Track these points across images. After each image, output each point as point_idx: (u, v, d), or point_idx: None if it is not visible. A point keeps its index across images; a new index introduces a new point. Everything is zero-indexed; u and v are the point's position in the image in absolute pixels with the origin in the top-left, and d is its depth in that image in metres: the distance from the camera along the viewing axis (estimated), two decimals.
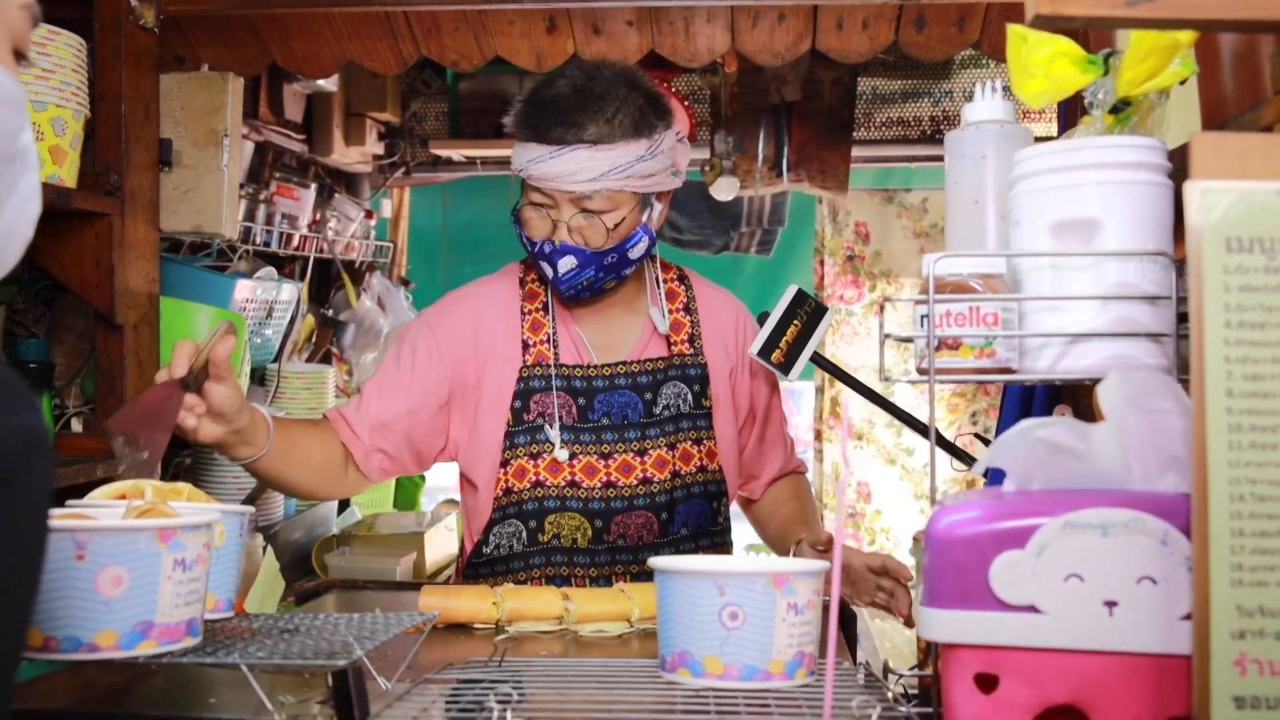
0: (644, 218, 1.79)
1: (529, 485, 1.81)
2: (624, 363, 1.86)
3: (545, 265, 1.77)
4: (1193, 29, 1.00)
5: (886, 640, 3.38)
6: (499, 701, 1.01)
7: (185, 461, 2.50)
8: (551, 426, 1.80)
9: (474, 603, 1.62)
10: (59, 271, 1.87)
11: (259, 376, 2.73)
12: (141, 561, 1.01)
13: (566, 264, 1.75)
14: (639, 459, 1.83)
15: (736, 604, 1.04)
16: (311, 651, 1.06)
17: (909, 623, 1.71)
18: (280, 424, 1.70)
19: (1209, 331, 0.87)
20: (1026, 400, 2.20)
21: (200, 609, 1.08)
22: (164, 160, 2.02)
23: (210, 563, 1.12)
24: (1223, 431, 0.86)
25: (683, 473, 1.85)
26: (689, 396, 1.86)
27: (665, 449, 1.84)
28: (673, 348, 1.89)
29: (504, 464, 1.82)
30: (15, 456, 0.59)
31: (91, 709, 1.18)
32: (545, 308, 1.87)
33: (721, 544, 1.93)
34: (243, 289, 2.43)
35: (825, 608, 1.37)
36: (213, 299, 2.25)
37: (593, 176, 1.69)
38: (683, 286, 1.95)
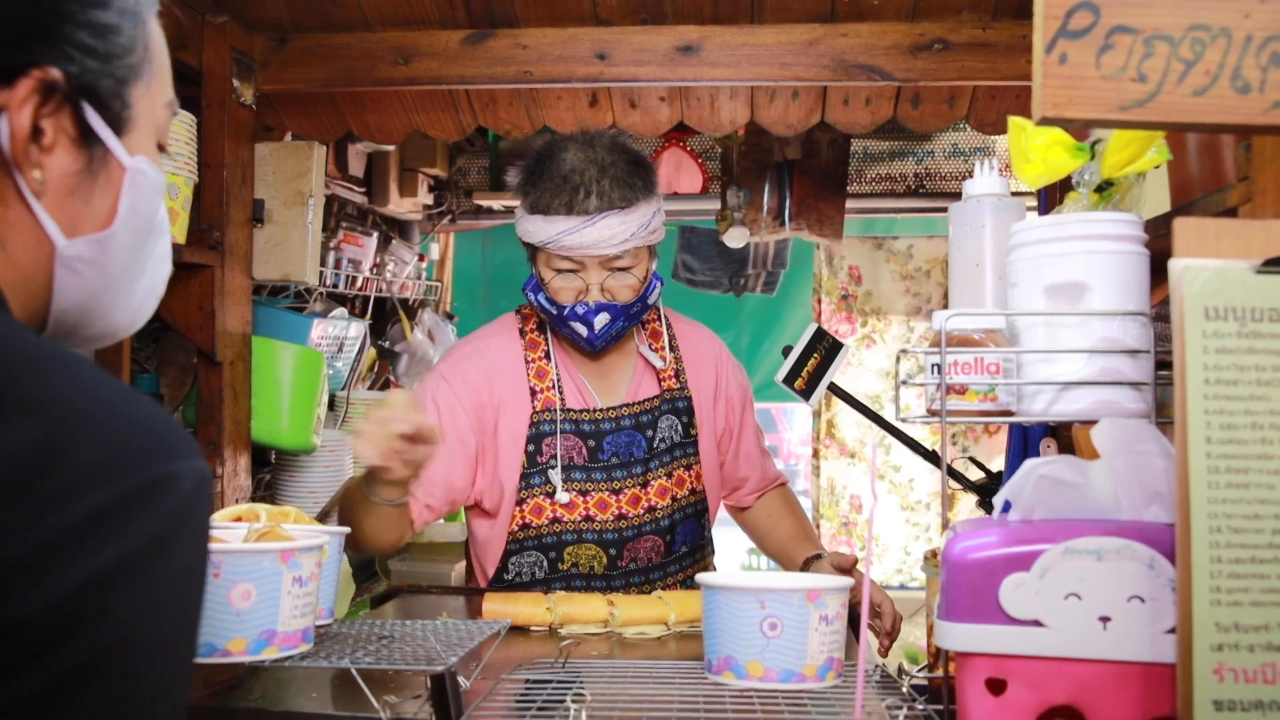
0: (652, 266, 1.79)
1: (547, 521, 1.79)
2: (626, 405, 1.83)
3: (579, 325, 1.72)
4: (1175, 130, 1.05)
5: (876, 638, 3.39)
6: (574, 700, 1.04)
7: (265, 478, 2.53)
8: (554, 469, 1.77)
9: (530, 608, 1.65)
10: (167, 315, 1.92)
11: (330, 403, 2.77)
12: (266, 579, 1.05)
13: (602, 320, 1.71)
14: (644, 490, 1.82)
15: (776, 616, 1.11)
16: (411, 656, 1.09)
17: (890, 638, 1.68)
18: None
19: (1190, 387, 0.91)
20: (1023, 436, 2.24)
21: (313, 618, 1.12)
22: (257, 218, 2.07)
23: (320, 578, 1.16)
24: (1203, 473, 0.90)
25: (679, 497, 1.86)
26: (679, 427, 1.86)
27: (664, 478, 1.83)
28: (662, 384, 1.87)
29: (520, 503, 1.79)
30: (193, 493, 0.63)
31: (217, 704, 1.21)
32: (547, 355, 1.82)
33: (709, 554, 1.96)
34: (319, 328, 2.47)
35: (853, 619, 1.42)
36: (294, 337, 2.29)
37: (625, 238, 1.67)
38: (663, 326, 1.91)
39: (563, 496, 1.77)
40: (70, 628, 0.56)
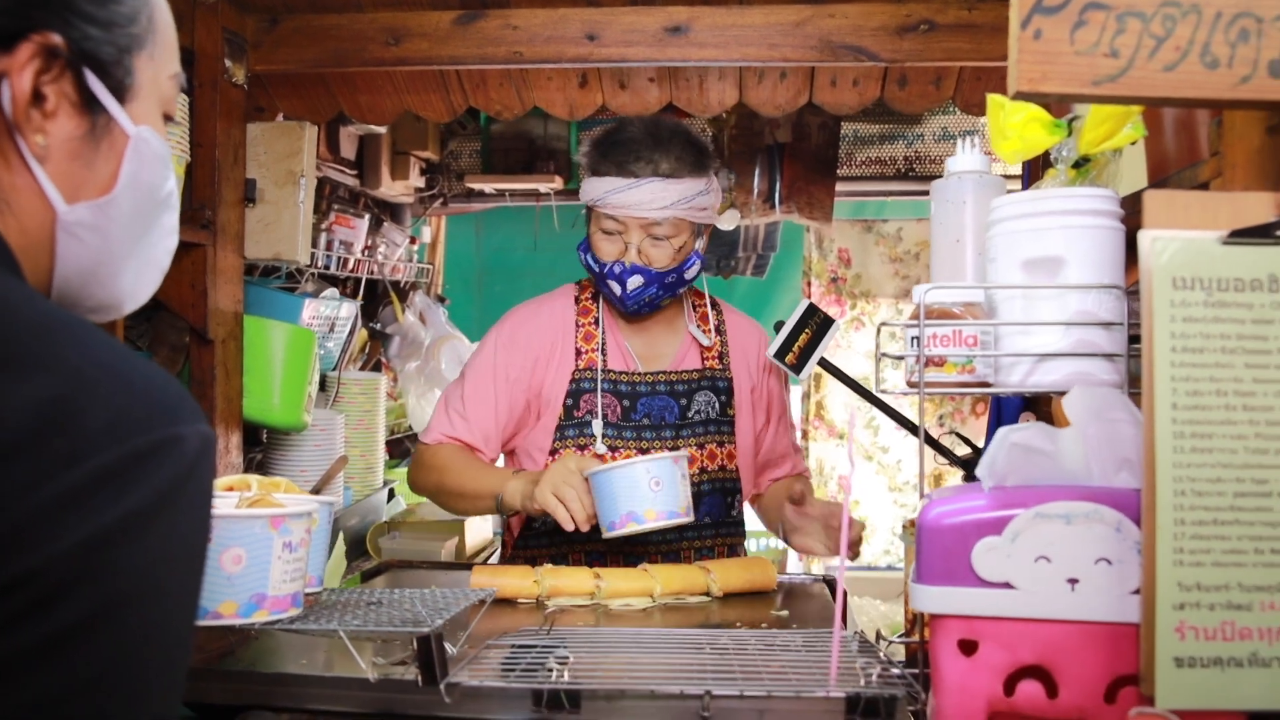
0: (696, 245, 1.88)
1: None
2: (664, 372, 1.93)
3: (614, 284, 1.84)
4: (1148, 104, 1.07)
5: (863, 614, 3.44)
6: (558, 661, 1.07)
7: (257, 457, 2.55)
8: (596, 420, 1.87)
9: (518, 581, 1.68)
10: (159, 293, 1.90)
11: (321, 383, 2.78)
12: (257, 543, 1.07)
13: (635, 282, 1.83)
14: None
15: (657, 475, 1.60)
16: (398, 620, 1.11)
17: (834, 552, 1.77)
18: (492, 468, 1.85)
19: (1158, 355, 0.93)
20: (997, 408, 2.27)
21: (302, 584, 1.14)
22: (249, 198, 2.08)
23: (310, 545, 1.18)
24: (1169, 438, 0.93)
25: (708, 469, 1.92)
26: (716, 405, 1.94)
27: (695, 448, 1.91)
28: (705, 362, 1.96)
29: (553, 452, 1.89)
30: (197, 455, 0.65)
31: (209, 666, 1.23)
32: (597, 322, 1.94)
33: (737, 534, 1.99)
34: (310, 308, 2.49)
35: (834, 585, 1.46)
36: (286, 317, 2.31)
37: (664, 205, 1.78)
38: (715, 312, 2.02)
39: (600, 447, 1.86)
40: (75, 582, 0.58)
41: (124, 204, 0.81)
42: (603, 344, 1.93)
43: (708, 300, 2.03)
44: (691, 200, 1.81)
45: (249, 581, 1.07)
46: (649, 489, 1.59)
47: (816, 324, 1.83)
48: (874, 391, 1.32)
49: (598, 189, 1.82)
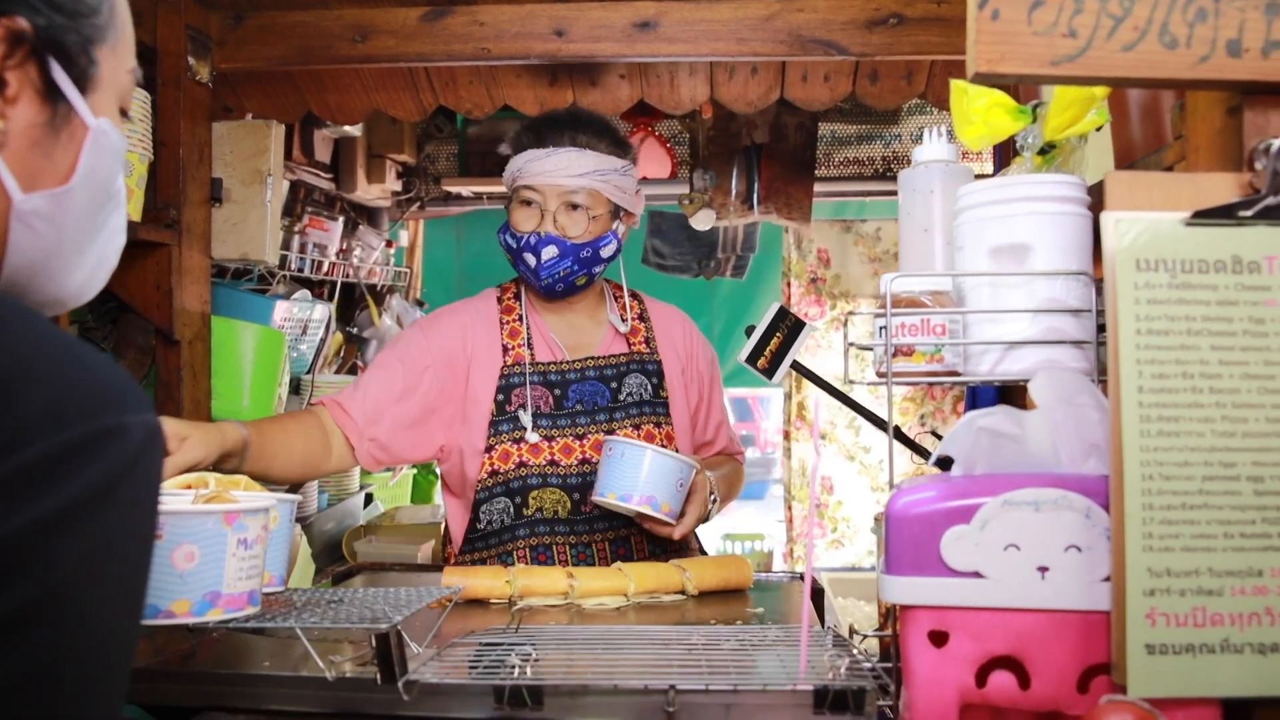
0: (614, 226, 1.88)
1: (513, 466, 1.86)
2: (592, 357, 1.94)
3: (529, 255, 1.84)
4: (1104, 85, 1.06)
5: (848, 615, 3.42)
6: (520, 659, 1.04)
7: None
8: (525, 412, 1.86)
9: (489, 581, 1.65)
10: (124, 294, 1.90)
11: (295, 386, 2.75)
12: (210, 540, 1.04)
13: (549, 253, 1.82)
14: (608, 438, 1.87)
15: (683, 479, 1.72)
16: (356, 618, 1.09)
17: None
18: (257, 428, 1.69)
19: (1123, 338, 0.92)
20: (971, 401, 2.26)
21: (259, 582, 1.12)
22: (215, 197, 2.05)
23: (267, 543, 1.16)
24: (1135, 421, 0.91)
25: None
26: (649, 387, 1.94)
27: (631, 429, 1.90)
28: (632, 347, 1.97)
29: (489, 449, 1.86)
30: (140, 447, 0.63)
31: (163, 669, 1.20)
32: (521, 318, 1.94)
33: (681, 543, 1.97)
34: (281, 309, 2.46)
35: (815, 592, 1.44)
36: (257, 318, 2.28)
37: (580, 172, 1.81)
38: (635, 301, 2.03)
39: (532, 436, 1.85)
40: (11, 573, 0.56)
41: (80, 196, 0.79)
42: (529, 338, 1.93)
43: (626, 291, 2.03)
44: (607, 175, 1.83)
45: (202, 579, 1.04)
46: (675, 488, 1.71)
47: (788, 327, 1.84)
48: (845, 382, 1.30)
49: (517, 163, 1.86)
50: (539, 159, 1.82)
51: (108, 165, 0.81)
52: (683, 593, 1.69)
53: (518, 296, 1.97)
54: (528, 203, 1.85)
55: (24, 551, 0.56)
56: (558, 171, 1.81)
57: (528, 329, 1.93)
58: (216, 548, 1.04)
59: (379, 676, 1.02)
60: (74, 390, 0.61)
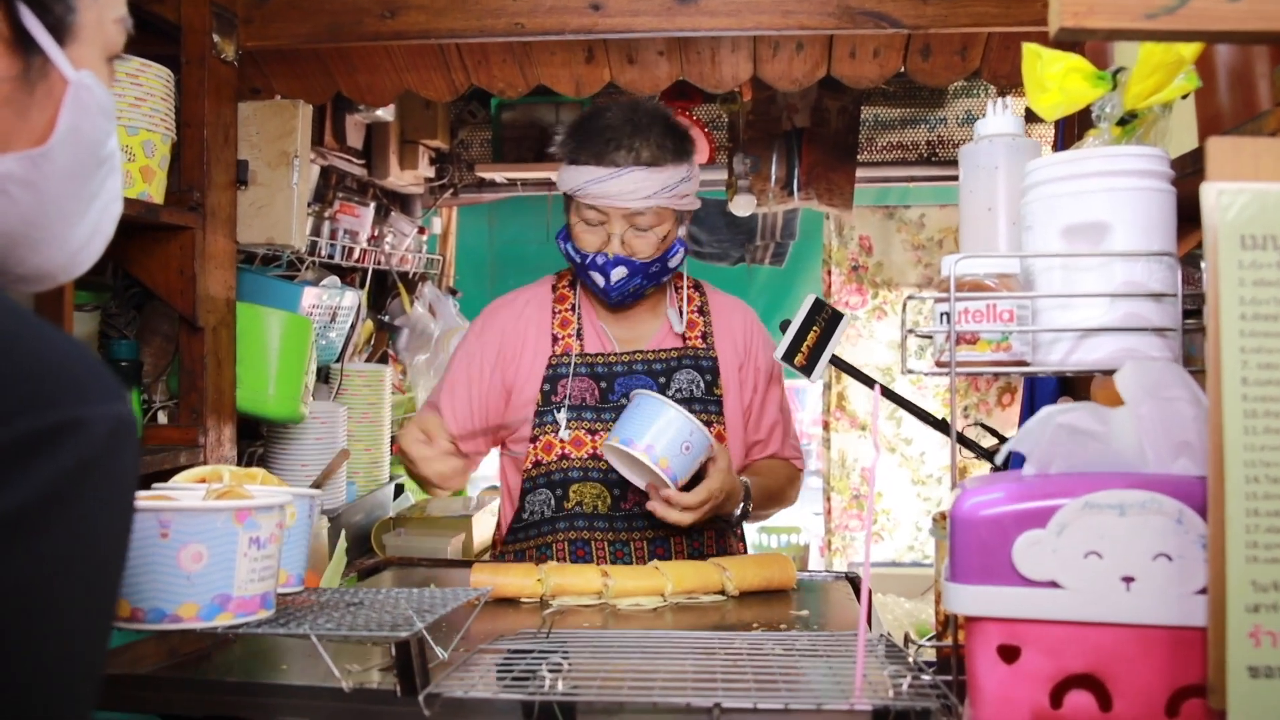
0: (679, 233, 1.84)
1: (555, 458, 1.83)
2: (640, 351, 1.88)
3: (597, 275, 1.79)
4: (1209, 40, 0.95)
5: (888, 613, 3.31)
6: (550, 670, 0.96)
7: (258, 450, 2.47)
8: (561, 410, 1.83)
9: (520, 579, 1.58)
10: (147, 279, 1.84)
11: (324, 375, 2.70)
12: (220, 539, 0.97)
13: (619, 274, 1.78)
14: None
15: (689, 441, 1.65)
16: (376, 624, 1.01)
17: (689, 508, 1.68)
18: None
19: (1225, 323, 0.82)
20: (1030, 394, 2.15)
21: (273, 583, 1.05)
22: (241, 179, 1.99)
23: (282, 541, 1.09)
24: (1238, 417, 0.81)
25: None
26: (701, 384, 1.88)
27: None
28: (686, 342, 1.91)
29: (534, 439, 1.84)
30: (106, 441, 0.55)
31: (175, 675, 1.14)
32: (574, 308, 1.91)
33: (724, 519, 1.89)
34: (309, 296, 2.40)
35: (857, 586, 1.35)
36: (283, 305, 2.22)
37: (647, 195, 1.73)
38: (698, 293, 1.98)
39: (565, 434, 1.82)
40: None
41: (61, 158, 0.72)
42: (579, 329, 1.90)
43: (687, 282, 1.97)
44: (674, 189, 1.76)
45: (211, 581, 0.97)
46: (679, 449, 1.63)
47: (825, 320, 1.73)
48: (903, 372, 1.20)
49: (577, 179, 1.76)
50: (602, 181, 1.73)
51: (93, 124, 0.73)
52: (722, 593, 1.60)
53: (573, 285, 1.94)
54: (590, 222, 1.78)
55: None
56: (624, 195, 1.73)
57: (579, 319, 1.90)
58: (226, 547, 0.97)
59: (398, 688, 0.95)
60: (21, 379, 0.53)
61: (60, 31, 0.69)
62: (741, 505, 1.77)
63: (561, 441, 1.82)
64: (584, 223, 1.79)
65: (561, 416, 1.82)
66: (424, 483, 1.84)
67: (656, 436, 1.63)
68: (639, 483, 1.70)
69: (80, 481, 0.54)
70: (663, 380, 1.86)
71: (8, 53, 0.66)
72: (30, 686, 0.52)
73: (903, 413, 3.67)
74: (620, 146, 1.73)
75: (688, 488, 1.68)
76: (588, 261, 1.79)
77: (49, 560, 0.53)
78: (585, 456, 1.82)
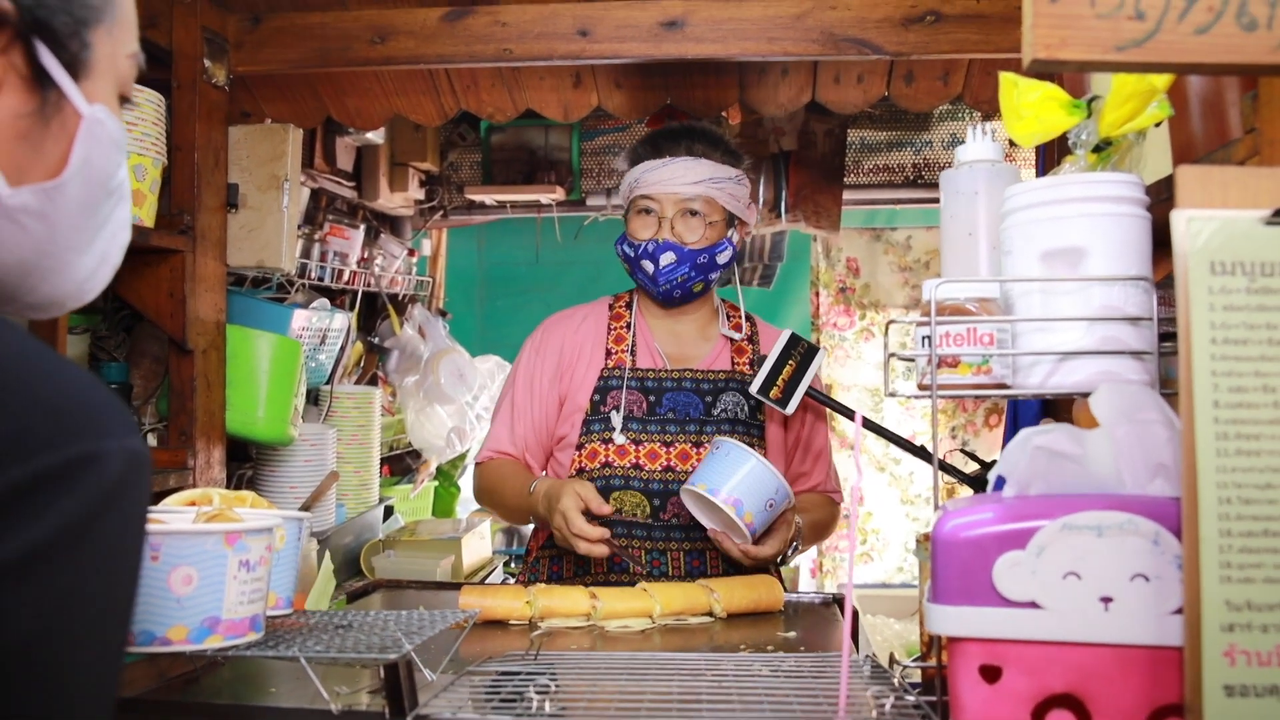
0: (729, 234, 1.90)
1: (599, 465, 1.86)
2: (691, 369, 1.93)
3: (648, 262, 1.87)
4: (1176, 72, 0.98)
5: (877, 634, 3.32)
6: (537, 692, 0.97)
7: (247, 473, 2.47)
8: (617, 412, 1.88)
9: (509, 601, 1.58)
10: (137, 302, 1.85)
11: (314, 397, 2.70)
12: (209, 562, 0.98)
13: (667, 259, 1.85)
14: (696, 450, 1.87)
15: (773, 499, 1.69)
16: (364, 646, 1.02)
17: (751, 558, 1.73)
18: (529, 480, 1.86)
19: (1196, 348, 0.84)
20: (1013, 416, 2.17)
21: (263, 606, 1.05)
22: (231, 203, 2.00)
23: (271, 564, 1.09)
24: (1211, 439, 0.83)
25: None
26: (745, 408, 1.92)
27: None
28: (735, 366, 1.95)
29: (579, 447, 1.89)
30: (122, 475, 0.57)
31: (164, 697, 1.14)
32: (629, 326, 1.97)
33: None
34: (299, 318, 2.41)
35: (842, 606, 1.35)
36: (273, 327, 2.23)
37: (696, 180, 1.83)
38: (748, 323, 2.03)
39: (620, 438, 1.86)
40: None
41: (73, 190, 0.73)
42: (633, 345, 1.95)
43: (742, 313, 2.04)
44: (722, 183, 1.85)
45: (201, 604, 0.98)
46: (764, 505, 1.67)
47: (800, 354, 1.79)
48: (886, 394, 1.22)
49: (634, 174, 1.89)
50: (655, 169, 1.85)
51: (105, 156, 0.75)
52: (710, 615, 1.61)
53: (629, 305, 2.01)
54: (645, 211, 1.88)
55: None
56: (674, 180, 1.84)
57: (634, 335, 1.96)
58: (216, 570, 0.98)
59: (387, 710, 0.95)
60: (41, 414, 0.54)
61: (75, 68, 0.70)
62: (794, 545, 1.80)
63: (610, 447, 1.87)
64: (639, 214, 1.88)
65: (616, 419, 1.87)
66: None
67: (745, 492, 1.66)
68: (712, 526, 1.73)
69: (99, 515, 0.55)
70: (709, 399, 1.90)
71: (25, 89, 0.67)
72: (54, 713, 0.53)
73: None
74: (675, 142, 1.87)
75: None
76: (640, 250, 1.87)
77: (70, 592, 0.53)
78: (628, 465, 1.86)
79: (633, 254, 1.90)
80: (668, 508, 1.84)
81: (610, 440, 1.87)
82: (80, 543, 0.54)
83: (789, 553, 1.80)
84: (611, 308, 2.02)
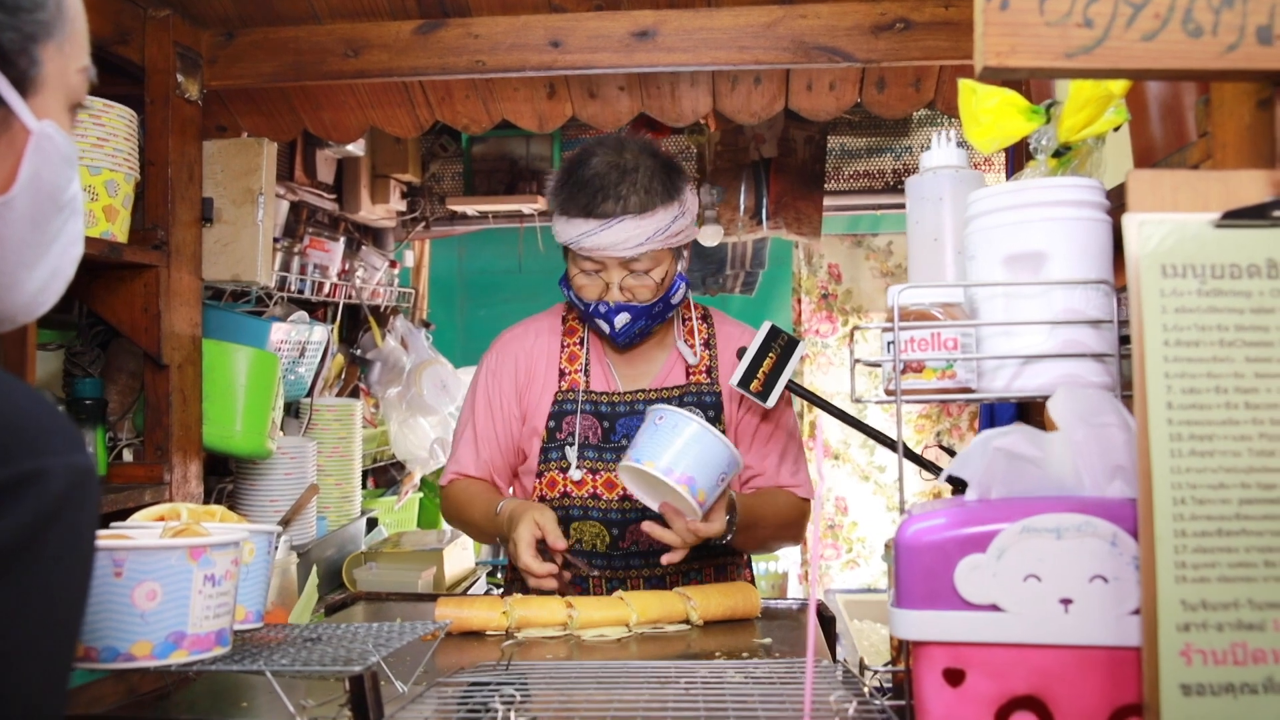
0: (678, 268, 1.83)
1: (558, 495, 1.83)
2: (643, 390, 1.87)
3: (602, 323, 1.79)
4: (1125, 78, 0.99)
5: (864, 639, 3.32)
6: (503, 702, 0.97)
7: (227, 487, 2.46)
8: (572, 447, 1.82)
9: (485, 612, 1.58)
10: (111, 317, 1.85)
11: (294, 410, 2.70)
12: (174, 577, 0.98)
13: (622, 320, 1.78)
14: None
15: (726, 473, 1.60)
16: (331, 659, 1.02)
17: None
18: (496, 501, 1.81)
19: (1149, 350, 0.85)
20: (990, 420, 2.17)
21: (229, 620, 1.05)
22: (206, 217, 2.00)
23: (239, 578, 1.09)
24: (1164, 440, 0.84)
25: None
26: (704, 419, 1.79)
27: None
28: (690, 377, 1.89)
29: (539, 474, 1.85)
30: (65, 493, 0.57)
31: (134, 714, 1.14)
32: (582, 342, 1.90)
33: (729, 553, 1.88)
34: (278, 331, 2.40)
35: (820, 612, 1.35)
36: (251, 340, 2.22)
37: (640, 242, 1.71)
38: (705, 324, 1.95)
39: (575, 474, 1.82)
40: None
41: (22, 206, 0.73)
42: (586, 364, 1.89)
43: (695, 313, 1.94)
44: (667, 230, 1.74)
45: (165, 619, 0.98)
46: (717, 480, 1.57)
47: (781, 346, 1.76)
48: (853, 401, 1.23)
49: (569, 232, 1.75)
50: (594, 234, 1.71)
51: (55, 171, 0.75)
52: (687, 622, 1.61)
53: (582, 319, 1.92)
54: (588, 271, 1.78)
55: None
56: (617, 245, 1.71)
57: (587, 354, 1.90)
58: (180, 585, 0.98)
59: None
60: None
61: (24, 84, 0.71)
62: (727, 519, 1.67)
63: (567, 479, 1.82)
64: (582, 273, 1.78)
65: (571, 455, 1.81)
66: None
67: (698, 467, 1.56)
68: (651, 503, 1.64)
69: (41, 532, 0.55)
70: None
71: None
72: None
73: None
74: (608, 197, 1.70)
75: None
76: (591, 309, 1.79)
77: (13, 608, 0.53)
78: (586, 495, 1.82)
79: (583, 308, 1.81)
80: (626, 536, 1.81)
81: (567, 469, 1.82)
82: (20, 562, 0.54)
83: (730, 533, 1.68)
84: (565, 320, 1.95)
